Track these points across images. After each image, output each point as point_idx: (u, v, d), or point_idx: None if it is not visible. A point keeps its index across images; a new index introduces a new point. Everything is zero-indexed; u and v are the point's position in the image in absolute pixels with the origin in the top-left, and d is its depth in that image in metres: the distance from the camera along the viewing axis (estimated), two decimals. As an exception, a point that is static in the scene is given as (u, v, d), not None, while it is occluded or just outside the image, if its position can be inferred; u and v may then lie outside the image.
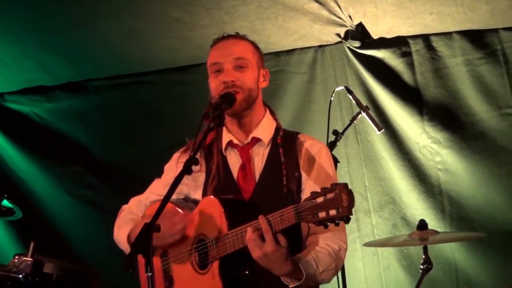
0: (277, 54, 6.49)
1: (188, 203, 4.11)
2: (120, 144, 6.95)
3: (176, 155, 4.23)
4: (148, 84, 7.01)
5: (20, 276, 5.07)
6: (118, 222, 4.25)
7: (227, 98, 3.88)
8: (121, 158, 6.85)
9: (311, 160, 3.99)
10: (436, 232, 5.29)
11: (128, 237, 4.00)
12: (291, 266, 3.61)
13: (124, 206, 4.32)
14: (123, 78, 7.06)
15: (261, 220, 3.50)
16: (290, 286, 3.72)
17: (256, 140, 4.04)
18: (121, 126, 7.02)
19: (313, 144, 4.05)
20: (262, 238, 3.52)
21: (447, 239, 5.64)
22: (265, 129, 4.07)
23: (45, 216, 7.03)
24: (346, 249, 3.92)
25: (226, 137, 4.07)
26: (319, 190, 3.44)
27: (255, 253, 3.55)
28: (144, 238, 3.43)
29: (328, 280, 3.89)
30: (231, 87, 3.89)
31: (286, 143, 4.03)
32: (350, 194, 3.35)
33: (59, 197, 7.09)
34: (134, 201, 4.32)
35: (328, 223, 3.41)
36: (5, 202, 5.39)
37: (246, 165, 4.02)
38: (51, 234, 6.88)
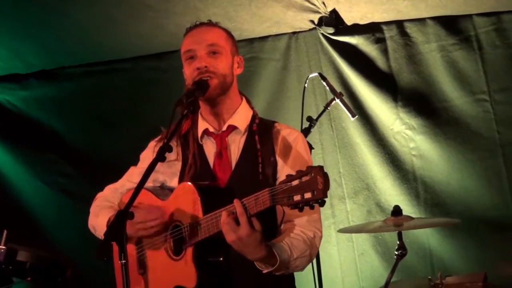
0: (251, 41, 6.50)
1: (164, 190, 4.13)
2: (95, 132, 6.98)
3: (152, 144, 4.25)
4: (123, 71, 7.04)
5: (-6, 263, 5.09)
6: (94, 209, 4.26)
7: (201, 85, 3.91)
8: (96, 145, 6.88)
9: (288, 148, 4.03)
10: (411, 218, 5.33)
11: (108, 223, 4.00)
12: (265, 251, 3.64)
13: (99, 194, 4.33)
14: (97, 65, 7.08)
15: (236, 204, 3.52)
16: (264, 272, 3.74)
17: (232, 128, 4.07)
18: (96, 113, 7.05)
19: (290, 133, 4.09)
20: (236, 222, 3.55)
21: (421, 225, 5.67)
22: (241, 117, 4.10)
23: (19, 204, 7.05)
24: (321, 237, 3.96)
25: (201, 125, 4.10)
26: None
27: (230, 237, 3.57)
28: (118, 225, 3.44)
29: (302, 268, 3.92)
30: (204, 72, 3.91)
31: (262, 131, 4.07)
32: (325, 176, 3.36)
33: (33, 185, 7.10)
34: (109, 189, 4.34)
35: (303, 206, 3.43)
36: (-20, 191, 5.42)
37: (223, 152, 4.06)
38: (25, 222, 6.88)
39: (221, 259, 3.83)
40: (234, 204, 3.56)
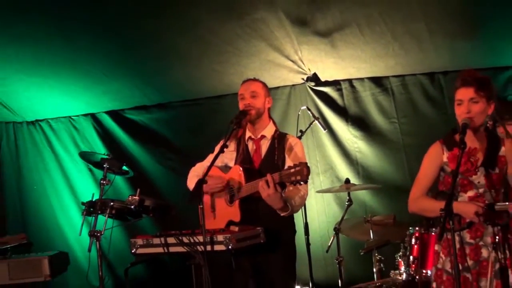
0: (270, 89, 6.44)
1: (226, 168, 4.22)
2: (186, 136, 7.00)
3: (220, 142, 4.24)
4: (201, 104, 7.02)
5: (132, 207, 5.11)
6: (190, 175, 4.39)
7: (242, 112, 4.10)
8: (187, 144, 6.89)
9: (291, 149, 4.11)
10: (354, 185, 5.37)
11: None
12: (283, 203, 3.80)
13: (193, 168, 4.43)
14: (188, 101, 7.06)
15: (268, 176, 3.70)
16: (281, 215, 3.88)
17: (263, 136, 4.19)
18: (187, 127, 7.04)
19: (293, 140, 4.18)
20: (268, 186, 3.69)
21: (360, 188, 5.72)
22: (268, 130, 4.21)
23: (146, 176, 7.08)
24: (307, 195, 4.04)
25: (247, 134, 4.22)
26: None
27: (264, 194, 3.71)
28: (198, 186, 3.61)
29: (297, 211, 4.05)
30: (248, 106, 4.09)
31: (279, 139, 4.17)
32: (308, 168, 3.56)
33: (153, 165, 7.15)
34: (198, 165, 4.42)
35: (296, 183, 3.65)
36: (124, 167, 5.43)
37: (257, 149, 4.17)
38: (149, 185, 6.93)
39: (255, 207, 3.92)
40: (267, 176, 3.70)
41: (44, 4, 5.18)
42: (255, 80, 4.23)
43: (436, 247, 3.69)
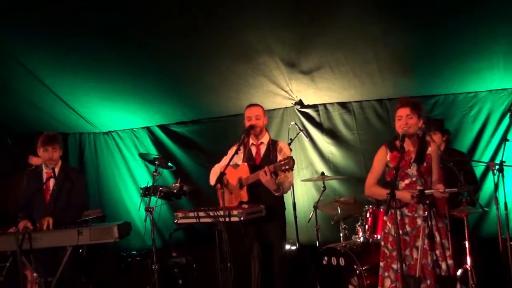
0: (268, 111, 6.42)
1: (236, 165, 4.19)
2: (212, 143, 6.93)
3: (233, 147, 4.31)
4: (222, 121, 6.95)
5: (175, 191, 5.14)
6: (211, 177, 4.34)
7: (251, 127, 4.10)
8: (212, 148, 6.83)
9: (281, 150, 4.15)
10: (327, 176, 5.34)
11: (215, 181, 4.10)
12: (276, 186, 3.82)
13: (213, 168, 4.41)
14: (213, 118, 6.98)
15: (266, 167, 3.73)
16: (275, 194, 3.90)
17: (262, 143, 4.20)
18: (212, 137, 6.97)
19: (282, 144, 4.22)
20: (266, 174, 3.71)
21: (331, 178, 5.70)
22: (265, 138, 4.22)
23: (183, 169, 7.02)
24: (293, 180, 4.15)
25: (251, 141, 4.22)
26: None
27: (263, 180, 3.75)
28: (220, 178, 3.65)
29: (286, 192, 4.05)
30: (254, 125, 4.10)
31: (272, 144, 4.19)
32: (293, 160, 3.61)
33: (189, 162, 7.08)
34: (217, 166, 4.40)
35: (285, 171, 3.65)
36: (170, 164, 5.45)
37: (258, 151, 4.18)
38: (186, 176, 6.85)
39: (257, 190, 3.94)
40: (265, 168, 3.73)
41: (116, 52, 5.31)
42: (257, 105, 4.26)
43: (385, 218, 3.79)
